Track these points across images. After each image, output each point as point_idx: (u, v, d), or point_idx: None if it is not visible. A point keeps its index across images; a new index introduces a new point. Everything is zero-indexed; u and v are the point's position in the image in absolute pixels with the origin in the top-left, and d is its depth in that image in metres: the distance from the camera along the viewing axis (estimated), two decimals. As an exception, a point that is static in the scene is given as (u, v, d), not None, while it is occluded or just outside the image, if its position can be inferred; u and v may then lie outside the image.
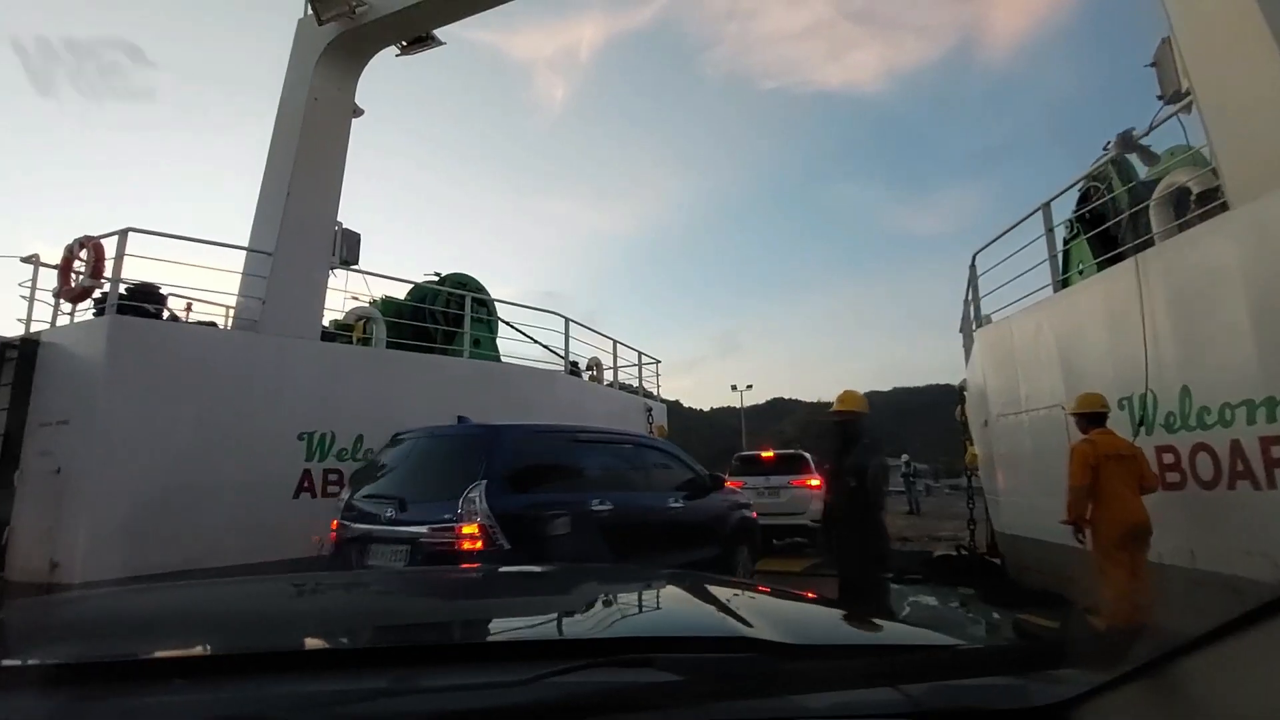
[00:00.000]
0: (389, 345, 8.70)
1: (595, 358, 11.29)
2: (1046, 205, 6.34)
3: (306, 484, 7.13)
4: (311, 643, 1.05)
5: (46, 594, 5.06)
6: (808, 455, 11.16)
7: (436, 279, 9.56)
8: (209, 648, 0.97)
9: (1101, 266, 6.05)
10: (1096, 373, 5.42)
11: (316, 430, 7.25)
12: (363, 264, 8.37)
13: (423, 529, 4.35)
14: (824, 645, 1.04)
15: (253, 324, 7.22)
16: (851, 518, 4.78)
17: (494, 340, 9.86)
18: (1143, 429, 4.94)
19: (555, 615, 1.31)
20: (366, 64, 8.26)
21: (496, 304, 10.25)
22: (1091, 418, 4.72)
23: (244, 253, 7.63)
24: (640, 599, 1.49)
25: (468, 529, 4.16)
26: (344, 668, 0.86)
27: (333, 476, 7.31)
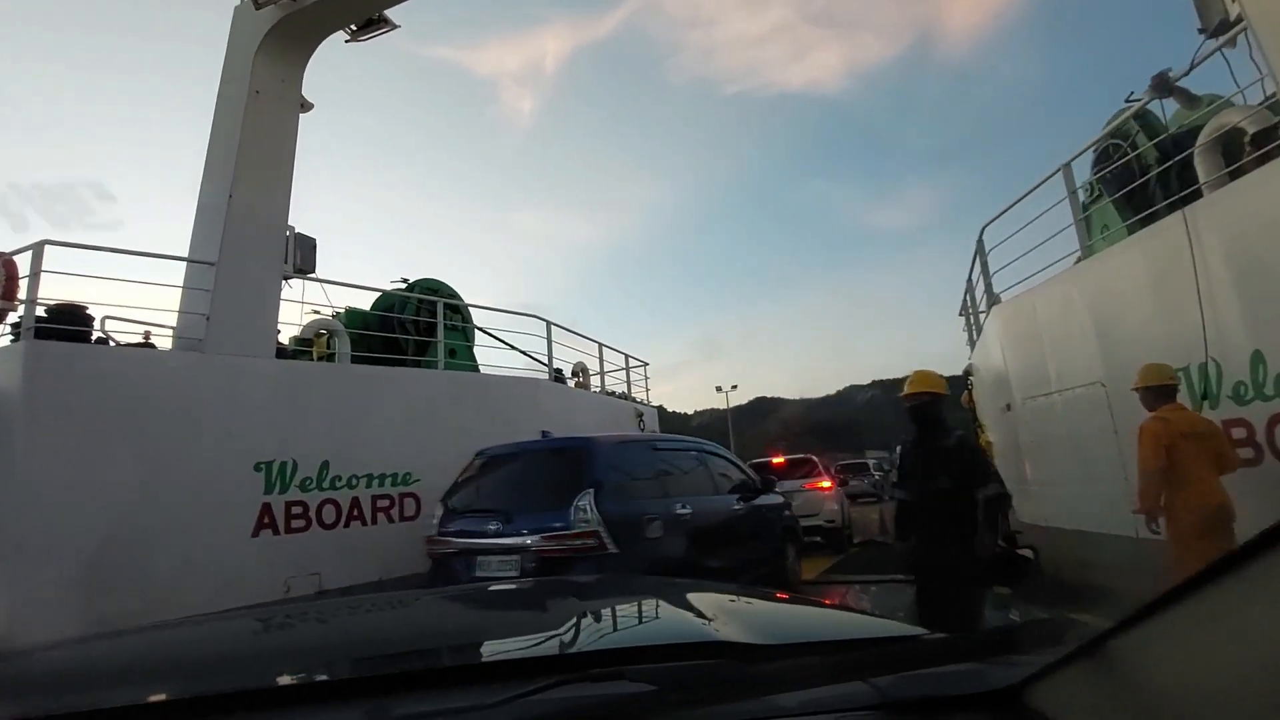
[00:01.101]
0: (354, 360, 7.94)
1: (580, 363, 10.61)
2: (1067, 166, 5.82)
3: (267, 520, 6.34)
4: (279, 679, 0.99)
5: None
6: (815, 459, 11.52)
7: (404, 286, 8.80)
8: (171, 692, 0.93)
9: (1132, 229, 5.55)
10: (1141, 344, 4.89)
11: (275, 459, 6.47)
12: (324, 275, 7.63)
13: (534, 538, 4.56)
14: (792, 643, 1.03)
15: (197, 343, 6.43)
16: (945, 523, 4.09)
17: (470, 349, 9.13)
18: (1205, 402, 4.41)
19: (525, 634, 1.28)
20: (312, 53, 7.52)
21: (471, 310, 9.53)
22: (1160, 392, 4.17)
23: (184, 265, 6.84)
24: (611, 611, 1.46)
25: (580, 534, 4.42)
26: (314, 702, 0.84)
27: (296, 509, 6.53)
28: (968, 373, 9.68)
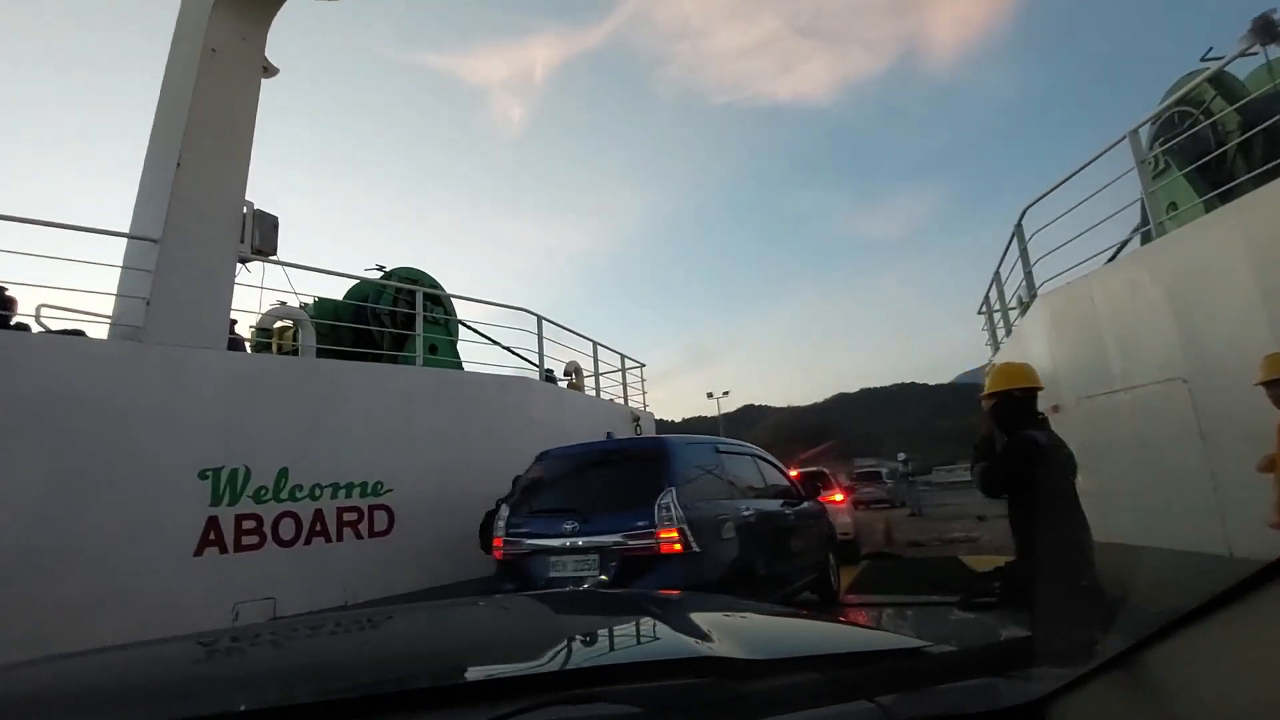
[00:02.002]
0: (321, 354, 7.09)
1: (574, 362, 9.80)
2: (1134, 133, 5.12)
3: (212, 536, 5.46)
4: (243, 703, 0.87)
5: None
6: (826, 471, 11.62)
7: (380, 273, 7.95)
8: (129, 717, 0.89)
9: (1210, 206, 4.86)
10: (1236, 332, 4.18)
11: (225, 466, 5.60)
12: (295, 264, 6.77)
13: (615, 537, 4.52)
14: (789, 659, 0.98)
15: (135, 331, 5.57)
16: (1051, 536, 3.29)
17: (454, 345, 8.29)
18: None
19: (503, 652, 1.19)
20: (278, 9, 6.70)
21: (456, 304, 8.70)
22: (1295, 385, 3.45)
23: (124, 243, 5.99)
24: (595, 627, 1.40)
25: (666, 533, 4.40)
26: None
27: (248, 524, 5.66)
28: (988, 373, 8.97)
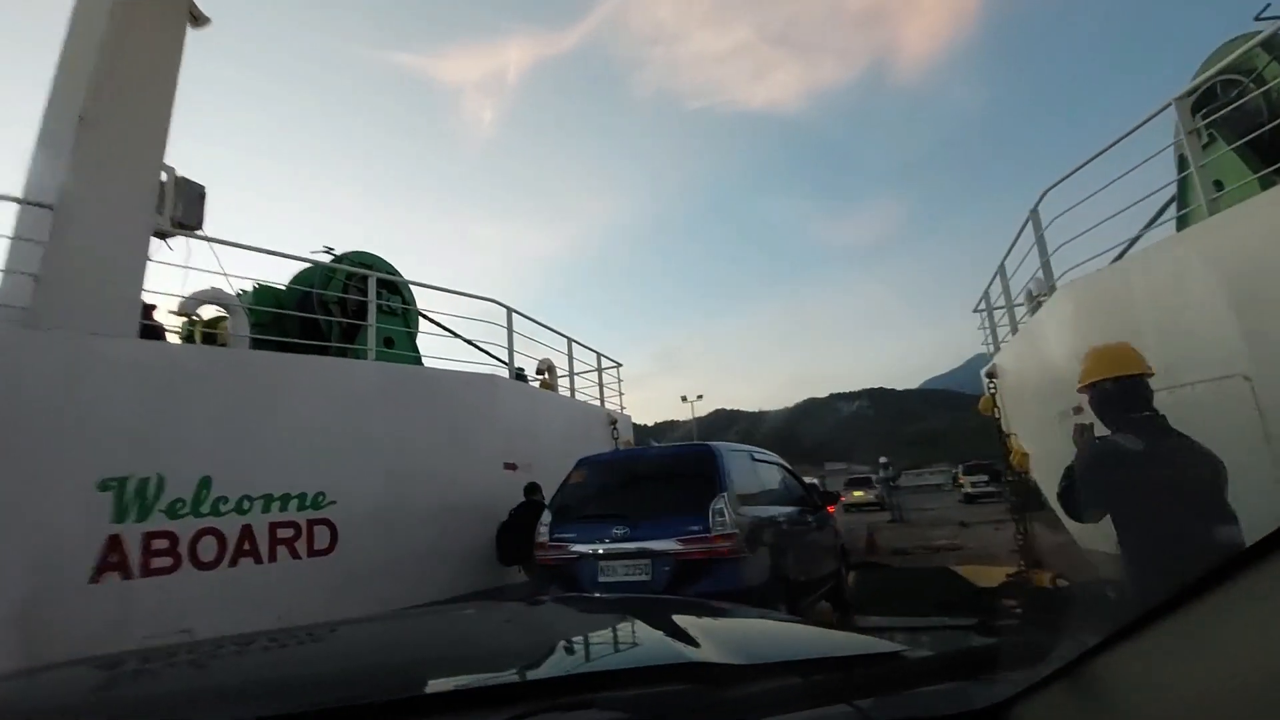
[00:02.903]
0: (260, 345, 6.21)
1: (547, 360, 9.02)
2: (1181, 99, 4.58)
3: (115, 557, 4.57)
4: (222, 710, 0.92)
5: None
6: (816, 481, 10.52)
7: (330, 256, 7.09)
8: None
9: (1266, 182, 4.33)
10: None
11: (132, 475, 4.72)
12: (240, 259, 5.86)
13: (668, 542, 4.55)
14: (771, 663, 1.00)
15: (20, 314, 4.66)
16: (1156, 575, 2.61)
17: (413, 338, 7.46)
18: None
19: (488, 660, 1.18)
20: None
21: (417, 292, 7.85)
22: None
23: (14, 210, 5.06)
24: (582, 634, 1.41)
25: (720, 538, 4.45)
26: None
27: (160, 543, 4.78)
28: (991, 374, 8.46)
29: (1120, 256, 6.07)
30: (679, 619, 1.28)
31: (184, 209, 5.44)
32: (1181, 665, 0.60)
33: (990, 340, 8.95)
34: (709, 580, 4.41)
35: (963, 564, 10.88)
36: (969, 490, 29.54)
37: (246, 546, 5.16)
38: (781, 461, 6.52)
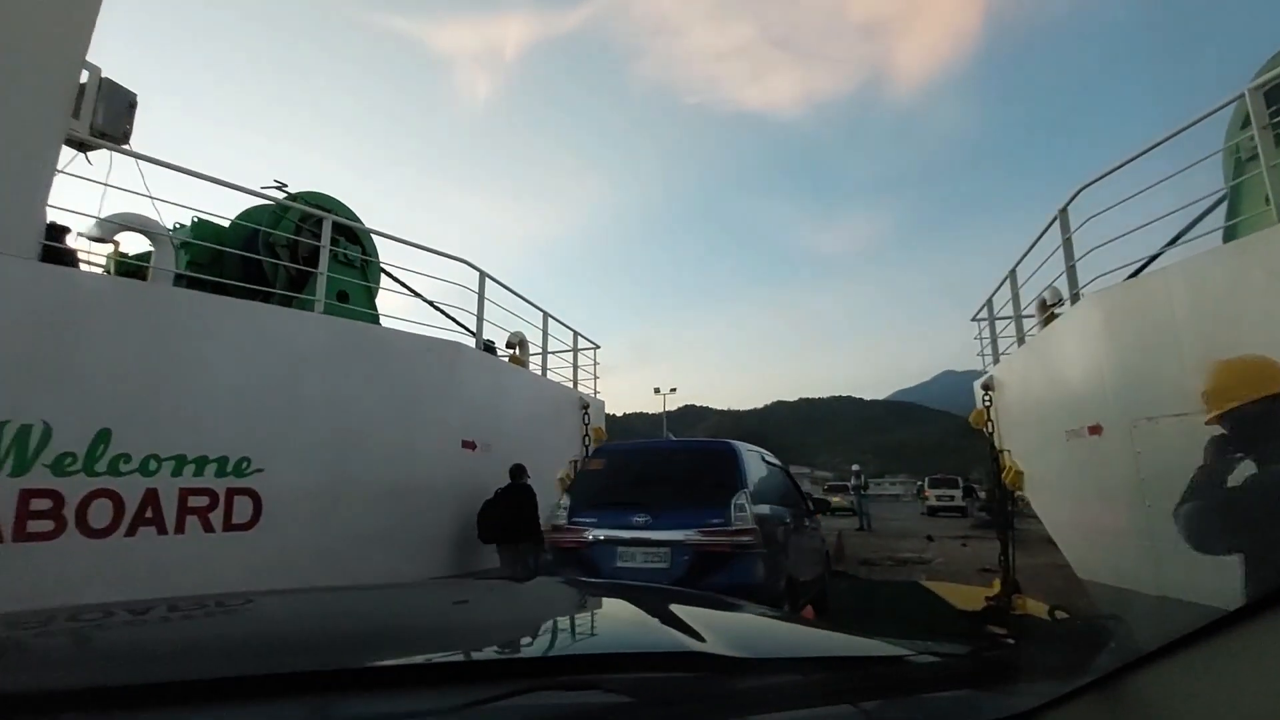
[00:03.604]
0: (191, 285, 5.42)
1: (519, 333, 8.33)
2: (1254, 90, 4.08)
3: (-18, 518, 3.82)
4: (219, 669, 0.85)
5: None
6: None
7: (282, 193, 6.28)
8: (97, 680, 0.81)
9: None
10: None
11: (10, 419, 3.96)
12: (171, 175, 5.01)
13: (689, 532, 4.72)
14: (777, 659, 1.00)
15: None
16: None
17: (370, 294, 6.71)
18: None
19: (495, 635, 1.17)
20: None
21: (381, 245, 7.09)
22: None
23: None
24: (588, 616, 1.40)
25: (741, 531, 4.67)
26: (251, 696, 0.74)
27: (40, 503, 4.03)
28: (987, 386, 8.03)
29: (1139, 270, 5.63)
30: (679, 608, 1.25)
31: (107, 117, 4.64)
32: (1211, 691, 0.59)
33: (989, 351, 8.50)
34: (725, 572, 4.59)
35: (932, 580, 10.55)
36: (933, 503, 29.61)
37: (149, 514, 4.43)
38: (785, 466, 6.56)
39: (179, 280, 6.02)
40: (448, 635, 1.16)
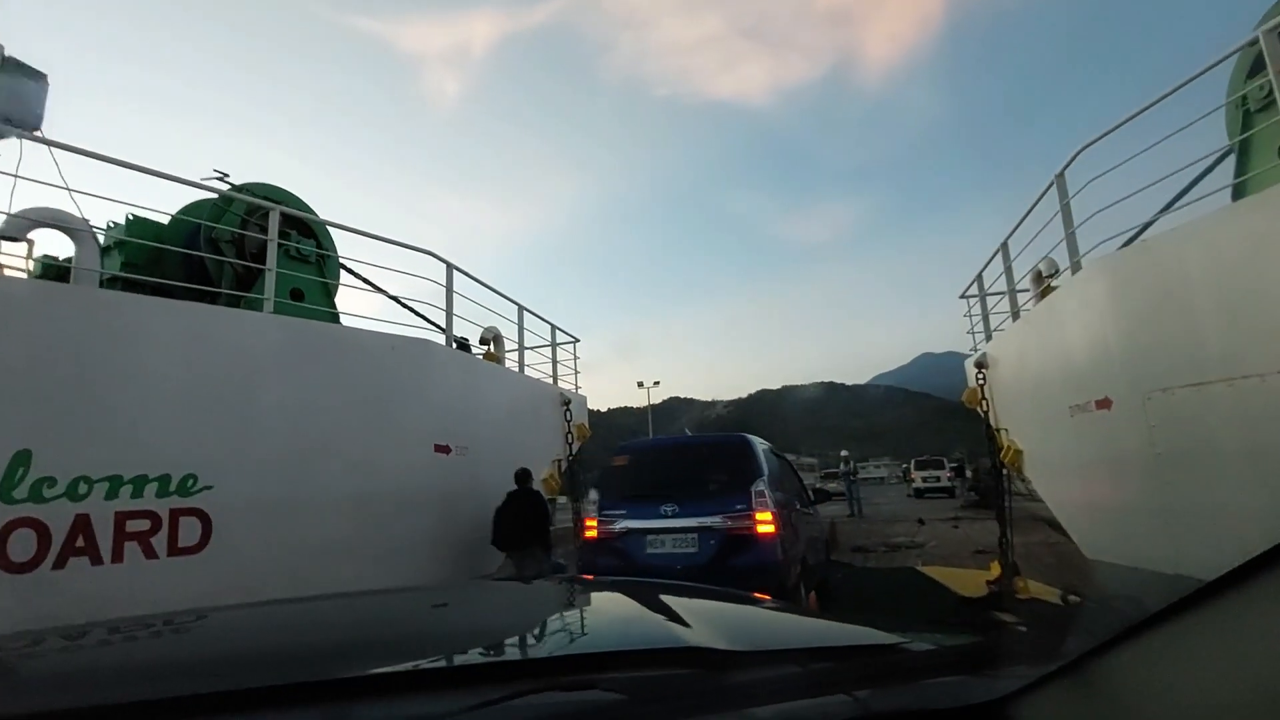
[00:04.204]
0: (128, 287, 4.94)
1: (493, 328, 7.90)
2: (1269, 32, 3.80)
3: None
4: (228, 682, 0.84)
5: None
6: None
7: (225, 184, 5.78)
8: (122, 695, 0.82)
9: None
10: None
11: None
12: (95, 167, 4.51)
13: (715, 519, 5.06)
14: (770, 650, 1.00)
15: None
16: None
17: (328, 292, 6.24)
18: None
19: (493, 637, 1.19)
20: None
21: (341, 239, 6.62)
22: None
23: None
24: (582, 614, 1.40)
25: (761, 516, 5.01)
26: (263, 706, 0.75)
27: (-55, 537, 3.55)
28: (980, 364, 7.79)
29: (1135, 237, 5.38)
30: (673, 601, 1.27)
31: (11, 100, 4.13)
32: (1189, 668, 0.61)
33: (982, 329, 8.25)
34: (749, 554, 4.93)
35: (928, 565, 10.35)
36: (919, 485, 29.68)
37: (80, 543, 3.97)
38: (790, 459, 6.86)
39: (114, 283, 5.53)
40: (440, 640, 1.16)
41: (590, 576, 4.05)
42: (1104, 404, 4.90)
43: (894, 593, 8.07)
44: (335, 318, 6.09)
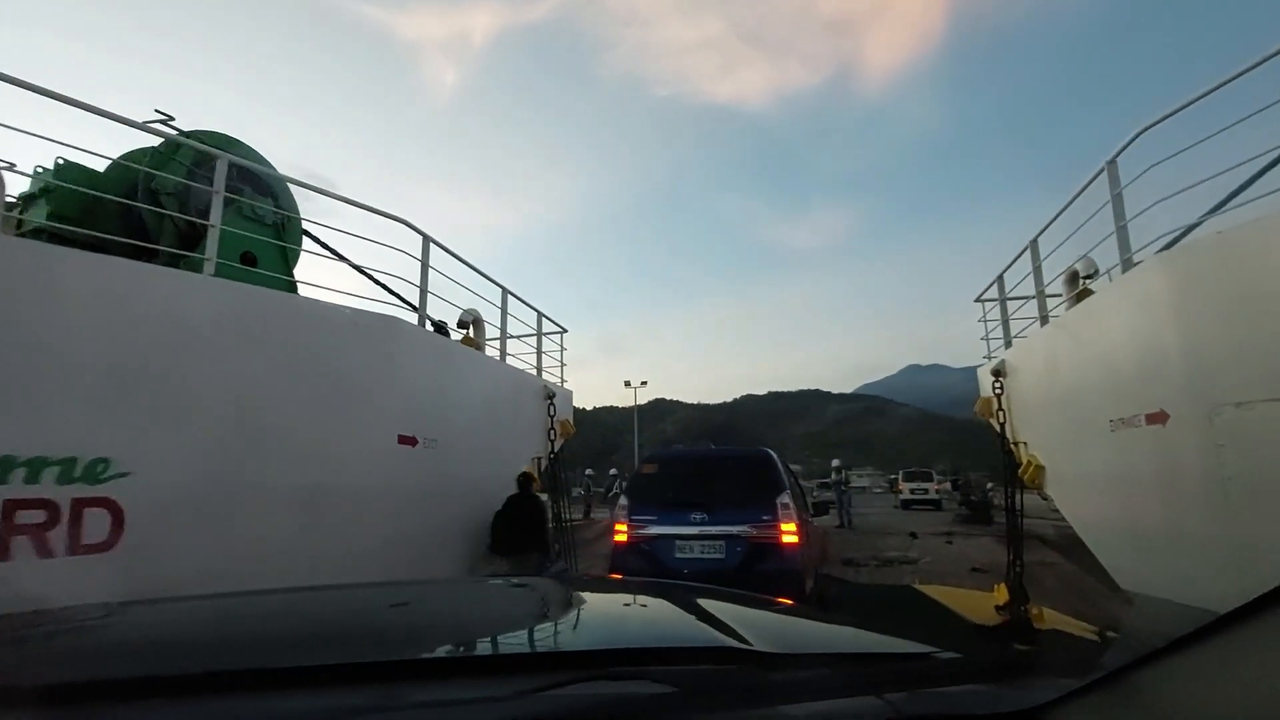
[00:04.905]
0: (49, 239, 4.24)
1: (473, 311, 7.24)
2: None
3: None
4: (293, 659, 0.90)
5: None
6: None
7: (170, 129, 5.08)
8: (188, 666, 0.86)
9: None
10: None
11: None
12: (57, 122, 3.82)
13: (743, 527, 5.41)
14: (808, 654, 1.03)
15: None
16: None
17: (286, 258, 5.55)
18: None
19: (545, 629, 1.25)
20: None
21: (305, 200, 5.93)
22: None
23: None
24: (629, 612, 1.43)
25: (787, 527, 5.39)
26: (326, 684, 0.79)
27: None
28: (998, 372, 7.25)
29: (1181, 236, 4.84)
30: (720, 607, 1.28)
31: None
32: (1233, 685, 0.59)
33: (1000, 335, 7.71)
34: (773, 561, 5.27)
35: (926, 584, 9.83)
36: (906, 496, 29.25)
37: (-47, 536, 3.29)
38: (797, 472, 7.31)
39: (39, 235, 4.83)
40: (481, 629, 1.19)
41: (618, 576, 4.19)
42: (1157, 418, 4.34)
43: (892, 612, 7.55)
44: (292, 288, 5.40)
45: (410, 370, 5.49)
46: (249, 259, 5.08)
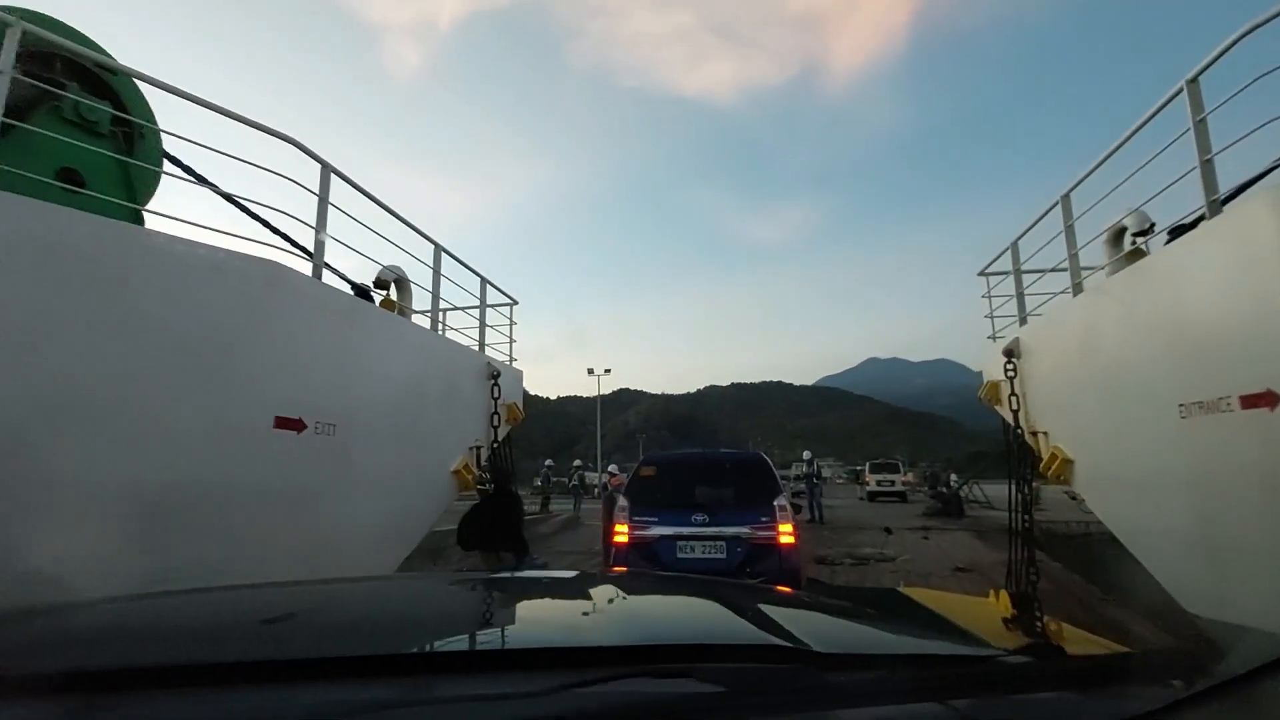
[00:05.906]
0: None
1: (396, 268, 5.96)
2: None
3: None
4: (326, 649, 0.89)
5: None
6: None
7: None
8: (219, 655, 0.86)
9: None
10: None
11: None
12: None
13: (743, 529, 5.61)
14: (865, 655, 0.95)
15: None
16: None
17: (129, 180, 4.19)
18: None
19: (589, 622, 1.21)
20: None
21: (166, 107, 4.57)
22: None
23: None
24: (677, 607, 1.41)
25: (784, 528, 5.63)
26: (360, 676, 0.77)
27: None
28: (1010, 353, 6.32)
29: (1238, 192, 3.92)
30: (770, 605, 1.23)
31: None
32: None
33: (1009, 311, 6.78)
34: (771, 561, 5.51)
35: (910, 586, 8.98)
36: (872, 488, 28.84)
37: None
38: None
39: None
40: (542, 621, 1.23)
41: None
42: (1260, 400, 3.38)
43: (882, 620, 6.69)
44: (138, 218, 4.07)
45: (298, 333, 4.22)
46: (70, 176, 3.75)
